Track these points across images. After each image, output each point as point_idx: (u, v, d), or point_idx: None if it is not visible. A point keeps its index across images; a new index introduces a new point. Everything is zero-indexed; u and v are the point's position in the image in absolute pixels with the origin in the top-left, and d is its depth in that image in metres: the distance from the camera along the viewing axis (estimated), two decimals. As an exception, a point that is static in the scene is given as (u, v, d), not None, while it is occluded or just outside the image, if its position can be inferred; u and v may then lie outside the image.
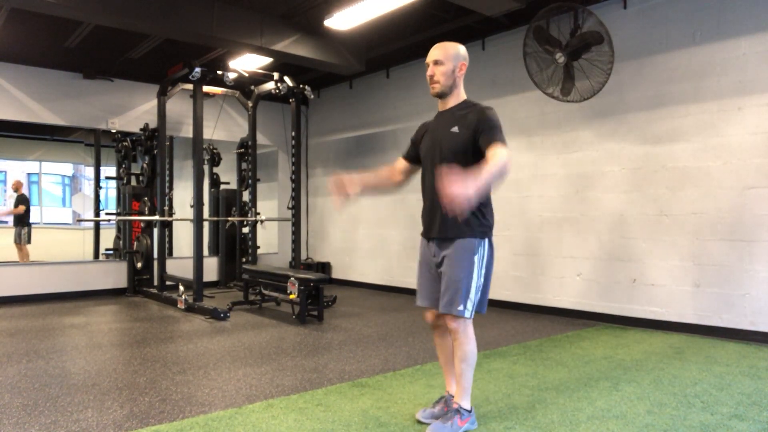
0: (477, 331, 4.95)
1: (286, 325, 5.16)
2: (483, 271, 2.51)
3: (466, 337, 2.50)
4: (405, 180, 2.83)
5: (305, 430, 2.58)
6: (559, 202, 5.66)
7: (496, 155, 2.31)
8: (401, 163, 2.81)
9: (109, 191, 8.69)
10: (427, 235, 2.63)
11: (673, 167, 4.85)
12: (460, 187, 2.06)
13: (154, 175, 7.34)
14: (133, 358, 3.89)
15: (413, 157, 2.75)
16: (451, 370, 2.68)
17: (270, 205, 8.79)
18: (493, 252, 2.57)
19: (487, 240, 2.53)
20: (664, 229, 4.88)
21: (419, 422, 2.64)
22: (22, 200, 8.62)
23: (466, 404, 2.53)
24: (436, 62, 2.52)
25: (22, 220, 8.54)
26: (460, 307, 2.45)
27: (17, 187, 8.65)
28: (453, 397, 2.63)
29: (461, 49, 2.57)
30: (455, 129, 2.50)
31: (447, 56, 2.52)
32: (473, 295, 2.47)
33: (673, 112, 4.85)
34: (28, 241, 8.48)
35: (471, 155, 2.45)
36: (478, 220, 2.49)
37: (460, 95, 2.59)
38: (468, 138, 2.45)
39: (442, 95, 2.57)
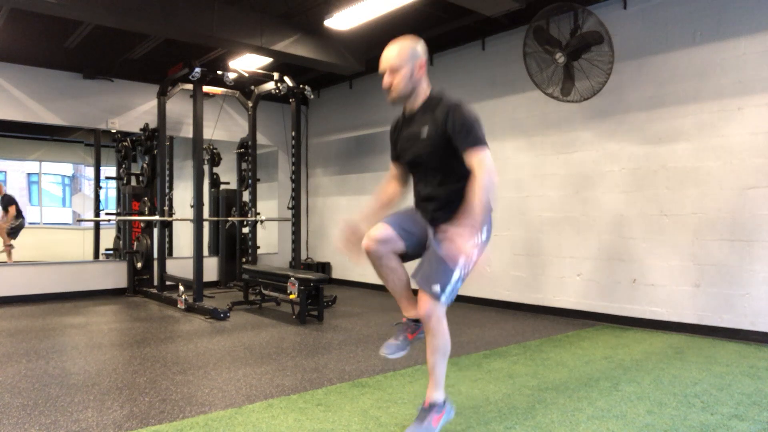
0: (477, 330, 4.97)
1: (286, 325, 5.16)
2: (472, 260, 2.35)
3: (439, 324, 2.31)
4: (406, 183, 2.61)
5: (305, 430, 2.58)
6: (559, 202, 5.66)
7: (479, 171, 2.18)
8: (394, 169, 2.61)
9: (109, 191, 8.69)
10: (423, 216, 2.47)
11: (673, 167, 4.85)
12: (462, 243, 2.07)
13: (154, 175, 7.34)
14: (133, 358, 3.89)
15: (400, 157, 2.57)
16: (404, 294, 2.49)
17: (270, 205, 8.79)
18: (488, 239, 2.42)
19: (485, 226, 2.36)
20: (664, 229, 4.88)
21: (386, 358, 2.51)
22: (10, 200, 8.63)
23: (439, 396, 2.38)
24: (392, 69, 2.31)
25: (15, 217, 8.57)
26: (436, 287, 2.27)
27: None
28: (412, 322, 2.50)
29: (418, 46, 2.34)
30: (425, 132, 2.33)
31: (403, 59, 2.30)
32: (454, 282, 2.31)
33: (673, 112, 4.85)
34: (13, 236, 8.46)
35: (453, 157, 2.30)
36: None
37: (424, 93, 2.37)
38: (441, 143, 2.29)
39: (401, 100, 2.37)
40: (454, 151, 2.29)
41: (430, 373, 2.40)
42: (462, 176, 2.32)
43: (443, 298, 2.29)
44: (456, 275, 2.31)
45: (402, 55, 2.30)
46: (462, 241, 2.08)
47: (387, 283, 2.50)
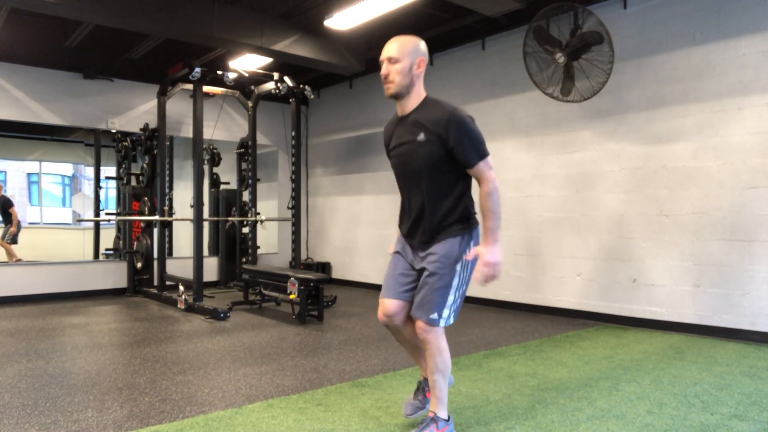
0: (477, 330, 4.96)
1: (286, 325, 5.16)
2: (466, 278, 2.37)
3: (438, 347, 2.32)
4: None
5: (305, 430, 2.58)
6: (559, 202, 5.66)
7: (487, 186, 2.23)
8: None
9: (109, 191, 8.68)
10: (410, 241, 2.48)
11: (673, 167, 4.85)
12: (490, 263, 2.24)
13: (154, 175, 7.34)
14: (133, 358, 3.89)
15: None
16: (421, 356, 2.55)
17: (270, 205, 8.79)
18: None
19: (472, 242, 2.37)
20: (664, 229, 4.88)
21: (408, 418, 2.63)
22: (9, 203, 8.61)
23: (443, 413, 2.40)
24: (391, 59, 2.29)
25: (8, 219, 8.55)
26: (434, 315, 2.29)
27: None
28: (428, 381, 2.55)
29: (421, 44, 2.34)
30: (421, 137, 2.29)
31: (403, 52, 2.29)
32: (450, 305, 2.32)
33: (673, 112, 4.85)
34: (14, 241, 8.47)
35: (449, 168, 2.30)
36: (461, 216, 2.35)
37: (420, 94, 2.35)
38: (439, 152, 2.27)
39: (398, 96, 2.33)
40: (446, 163, 2.29)
41: (432, 391, 2.43)
42: (449, 193, 2.33)
43: (441, 323, 2.32)
44: (451, 299, 2.33)
45: (404, 48, 2.30)
46: (494, 259, 2.25)
47: (405, 347, 2.65)
